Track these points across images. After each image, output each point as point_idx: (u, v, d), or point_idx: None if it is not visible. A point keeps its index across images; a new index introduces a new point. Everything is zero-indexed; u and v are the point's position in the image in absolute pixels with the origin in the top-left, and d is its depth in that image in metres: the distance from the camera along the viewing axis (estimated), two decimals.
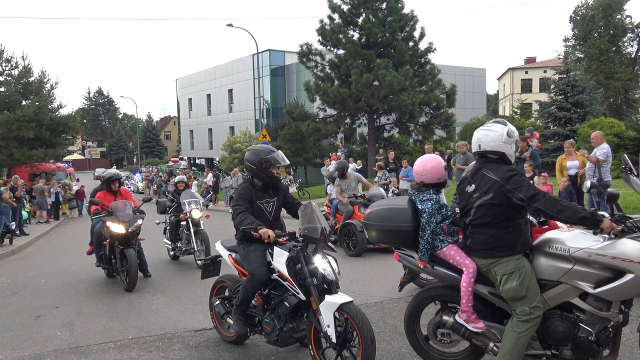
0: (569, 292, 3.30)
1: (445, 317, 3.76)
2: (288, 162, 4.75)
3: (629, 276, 3.09)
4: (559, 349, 3.40)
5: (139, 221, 7.74)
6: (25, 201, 17.75)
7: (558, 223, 4.76)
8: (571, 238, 3.34)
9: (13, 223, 14.26)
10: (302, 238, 4.10)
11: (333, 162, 16.69)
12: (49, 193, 20.31)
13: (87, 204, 9.62)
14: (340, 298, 3.76)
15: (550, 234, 3.51)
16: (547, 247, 3.40)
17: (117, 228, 7.45)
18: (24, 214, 16.94)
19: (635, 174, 3.54)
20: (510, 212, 3.38)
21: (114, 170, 8.53)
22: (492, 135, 3.48)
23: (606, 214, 3.31)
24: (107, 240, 7.77)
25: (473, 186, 3.51)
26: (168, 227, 9.94)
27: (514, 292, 3.32)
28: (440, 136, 27.90)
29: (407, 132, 26.48)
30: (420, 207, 3.69)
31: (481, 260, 3.50)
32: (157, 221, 10.30)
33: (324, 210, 10.40)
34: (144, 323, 5.77)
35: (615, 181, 12.83)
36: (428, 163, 3.79)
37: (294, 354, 4.56)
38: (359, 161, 20.56)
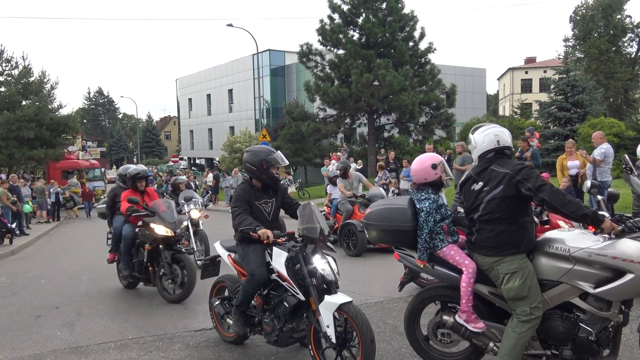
0: (569, 292, 3.30)
1: (445, 317, 3.76)
2: (287, 163, 4.75)
3: (629, 276, 3.10)
4: (559, 349, 3.40)
5: (185, 222, 7.00)
6: (29, 200, 17.73)
7: (559, 222, 4.77)
8: (571, 238, 3.35)
9: (14, 223, 14.25)
10: (301, 238, 4.10)
11: (333, 162, 16.68)
12: (49, 193, 20.28)
13: (104, 203, 8.18)
14: (339, 298, 3.76)
15: (550, 234, 3.52)
16: (547, 246, 3.40)
17: (162, 230, 6.55)
18: (27, 207, 16.82)
19: (636, 173, 3.55)
20: (518, 207, 3.40)
21: (141, 167, 7.47)
22: (506, 132, 3.64)
23: (607, 214, 3.32)
24: (149, 245, 6.76)
25: (480, 184, 3.52)
26: None
27: (515, 291, 3.33)
28: (440, 136, 27.91)
29: (407, 132, 26.50)
30: (418, 205, 3.72)
31: (485, 257, 3.49)
32: None
33: (324, 211, 10.41)
34: (144, 323, 5.76)
35: (615, 181, 12.83)
36: (425, 161, 3.85)
37: (294, 354, 4.56)
38: (359, 161, 20.56)
